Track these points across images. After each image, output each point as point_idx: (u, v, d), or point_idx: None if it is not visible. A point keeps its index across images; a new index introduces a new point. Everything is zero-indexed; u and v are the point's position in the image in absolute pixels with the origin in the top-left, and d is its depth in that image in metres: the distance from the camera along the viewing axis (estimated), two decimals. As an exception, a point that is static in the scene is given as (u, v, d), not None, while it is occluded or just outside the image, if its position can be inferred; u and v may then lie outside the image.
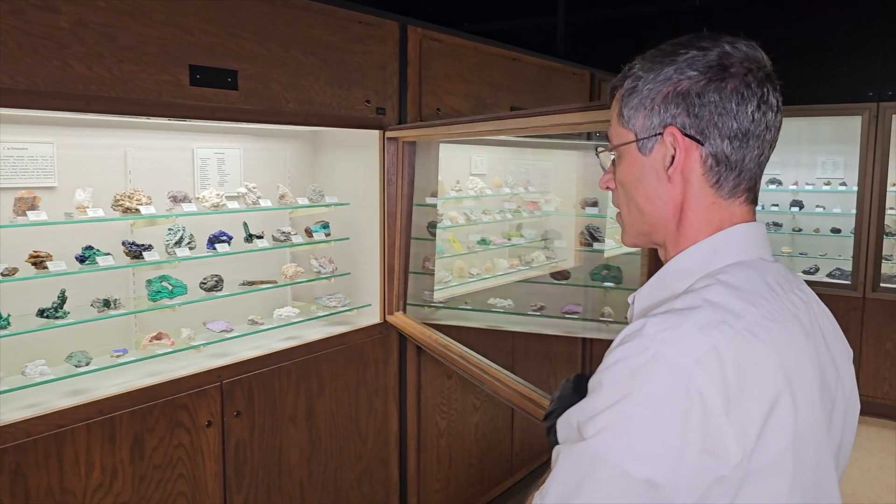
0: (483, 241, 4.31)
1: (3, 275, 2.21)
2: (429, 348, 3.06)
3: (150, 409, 2.34)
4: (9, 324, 2.23)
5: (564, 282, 3.69)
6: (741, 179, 0.96)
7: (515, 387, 2.56)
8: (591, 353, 4.63)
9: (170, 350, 2.56)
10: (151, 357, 2.51)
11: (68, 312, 2.38)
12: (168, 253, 2.69)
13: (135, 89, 2.22)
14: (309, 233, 3.27)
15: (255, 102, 2.58)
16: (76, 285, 2.55)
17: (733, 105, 0.92)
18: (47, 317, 2.34)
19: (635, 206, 1.01)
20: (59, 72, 2.04)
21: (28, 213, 2.28)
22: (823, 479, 0.90)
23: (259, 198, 3.02)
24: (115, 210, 2.55)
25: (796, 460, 0.83)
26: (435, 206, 3.43)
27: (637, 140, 0.98)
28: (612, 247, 4.49)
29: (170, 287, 2.69)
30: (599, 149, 1.07)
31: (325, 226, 3.30)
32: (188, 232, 2.76)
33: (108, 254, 2.50)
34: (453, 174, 4.26)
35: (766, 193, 5.93)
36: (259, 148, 3.24)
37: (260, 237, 3.03)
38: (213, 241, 2.86)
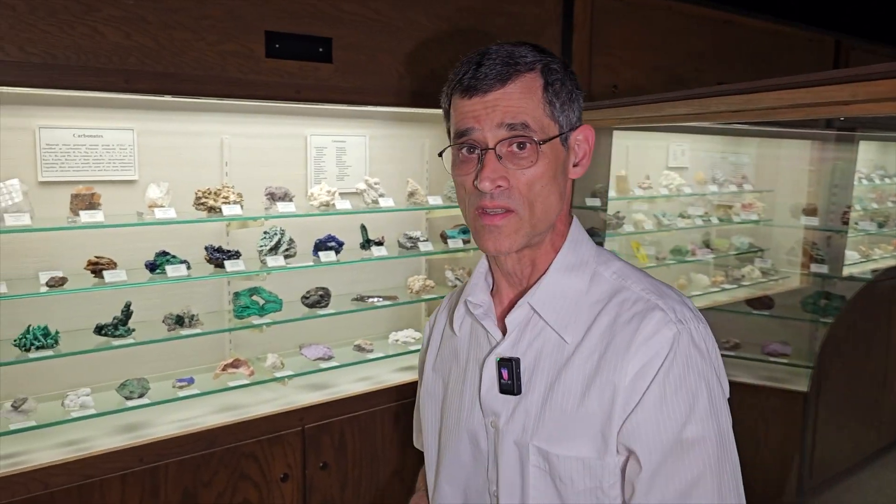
0: (678, 251, 3.48)
1: (48, 286, 1.88)
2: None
3: (207, 457, 1.90)
4: (57, 342, 1.90)
5: (766, 312, 2.78)
6: None
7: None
8: (816, 415, 3.04)
9: (246, 382, 2.11)
10: (221, 390, 2.08)
11: (132, 330, 2.02)
12: (261, 262, 2.25)
13: (189, 62, 1.77)
14: (444, 239, 2.69)
15: (355, 79, 2.04)
16: (158, 296, 2.20)
17: None
18: (106, 335, 1.99)
19: (544, 204, 0.93)
20: (85, 41, 1.63)
21: (83, 212, 1.92)
22: None
23: (381, 195, 2.49)
24: (197, 209, 2.15)
25: None
26: (596, 208, 2.68)
27: (560, 134, 0.94)
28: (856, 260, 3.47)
29: (261, 302, 2.25)
30: (513, 143, 0.91)
31: (465, 230, 2.70)
32: (287, 236, 2.30)
33: (184, 262, 2.10)
34: (642, 167, 3.46)
35: None
36: (390, 135, 2.69)
37: (379, 243, 2.50)
38: (320, 247, 2.39)
